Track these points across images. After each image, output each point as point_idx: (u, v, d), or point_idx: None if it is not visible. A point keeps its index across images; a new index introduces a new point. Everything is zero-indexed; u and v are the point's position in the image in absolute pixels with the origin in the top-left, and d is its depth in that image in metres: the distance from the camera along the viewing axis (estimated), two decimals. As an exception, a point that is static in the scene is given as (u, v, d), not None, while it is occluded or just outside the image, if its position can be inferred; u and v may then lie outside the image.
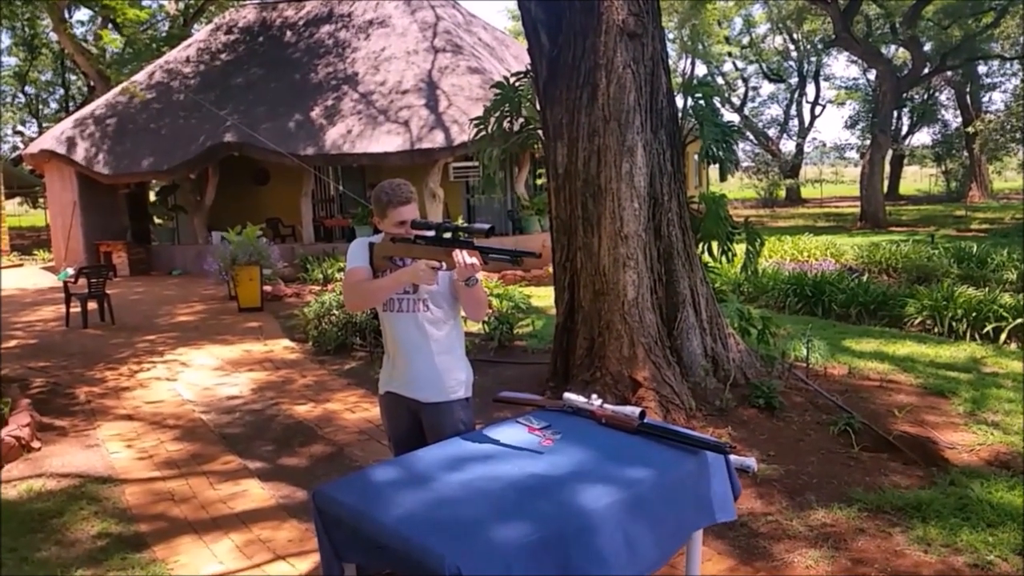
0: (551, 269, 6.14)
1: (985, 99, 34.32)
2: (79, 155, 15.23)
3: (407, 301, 2.85)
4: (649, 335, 5.22)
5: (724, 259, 6.37)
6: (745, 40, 38.30)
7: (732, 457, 2.69)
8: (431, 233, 2.69)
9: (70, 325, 9.64)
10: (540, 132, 6.22)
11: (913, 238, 14.86)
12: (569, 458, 2.54)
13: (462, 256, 2.55)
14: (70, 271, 10.37)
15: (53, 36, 26.10)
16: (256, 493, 4.33)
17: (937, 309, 7.97)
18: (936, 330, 7.84)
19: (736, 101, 39.82)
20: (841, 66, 49.78)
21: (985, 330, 7.49)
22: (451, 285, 2.84)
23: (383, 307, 2.90)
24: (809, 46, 35.79)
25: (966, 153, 33.13)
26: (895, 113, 30.43)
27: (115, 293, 11.01)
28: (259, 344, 8.33)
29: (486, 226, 2.58)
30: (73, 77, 33.25)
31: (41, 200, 27.93)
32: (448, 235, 2.65)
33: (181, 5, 23.04)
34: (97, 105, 16.83)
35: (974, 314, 7.67)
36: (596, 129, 5.31)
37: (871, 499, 3.89)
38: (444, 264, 2.63)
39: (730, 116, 37.96)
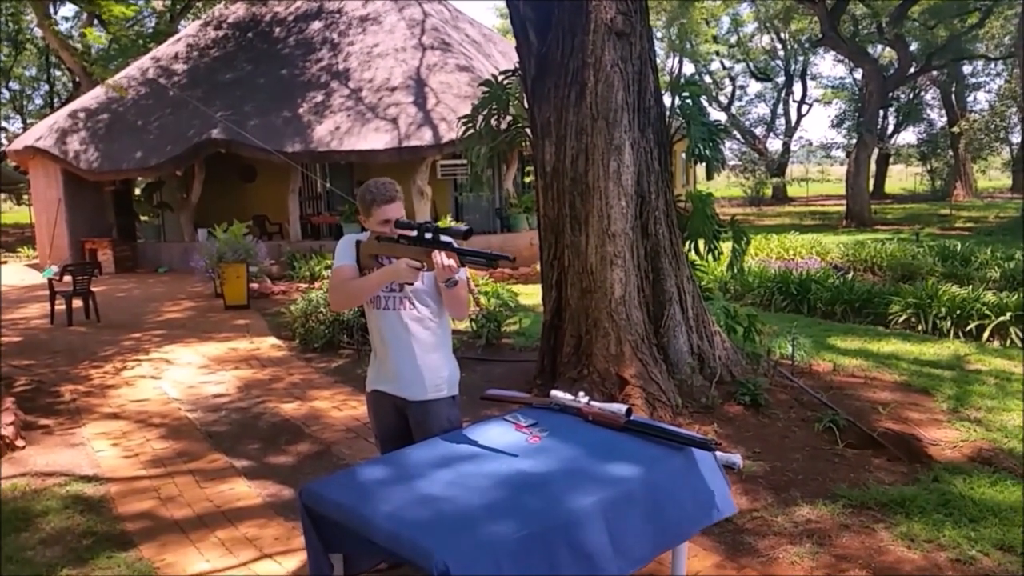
0: (538, 267, 6.14)
1: (970, 99, 34.73)
2: (64, 151, 15.10)
3: (393, 299, 2.86)
4: (636, 333, 5.25)
5: (710, 257, 6.41)
6: (733, 39, 38.41)
7: (718, 454, 2.71)
8: (413, 233, 2.71)
9: (55, 323, 9.56)
10: (528, 130, 6.22)
11: (898, 236, 15.00)
12: (556, 455, 2.55)
13: (440, 257, 2.58)
14: (55, 268, 10.28)
15: (38, 32, 25.83)
16: (242, 491, 4.32)
17: (921, 307, 8.05)
18: (920, 328, 7.92)
19: (723, 100, 40.00)
20: (828, 65, 50.19)
21: (968, 328, 7.57)
22: (436, 283, 2.85)
23: (369, 305, 2.91)
24: (796, 45, 35.96)
25: (951, 152, 33.43)
26: (881, 112, 30.62)
27: (100, 291, 10.93)
28: (245, 342, 8.29)
29: (463, 228, 2.62)
30: (58, 73, 32.89)
31: (25, 197, 27.67)
32: (429, 236, 2.67)
33: (168, 1, 22.88)
34: (82, 101, 16.68)
35: (958, 312, 7.76)
36: (584, 127, 5.32)
37: (855, 495, 3.93)
38: (425, 264, 2.65)
39: (717, 115, 38.09)
